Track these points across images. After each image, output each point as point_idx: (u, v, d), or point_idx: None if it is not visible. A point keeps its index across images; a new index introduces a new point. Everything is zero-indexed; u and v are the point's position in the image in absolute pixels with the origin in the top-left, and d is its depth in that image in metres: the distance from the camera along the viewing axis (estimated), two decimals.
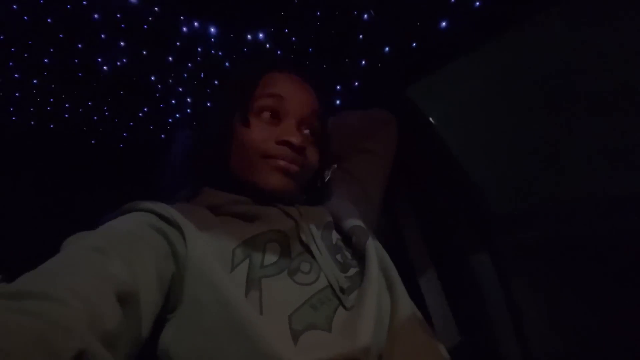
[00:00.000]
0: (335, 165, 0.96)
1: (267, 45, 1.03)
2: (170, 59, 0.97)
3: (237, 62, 1.08)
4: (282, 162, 0.71)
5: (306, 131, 0.76)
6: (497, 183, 1.09)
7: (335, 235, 0.75)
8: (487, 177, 1.06)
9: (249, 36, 1.00)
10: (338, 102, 1.10)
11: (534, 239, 0.98)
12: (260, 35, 1.01)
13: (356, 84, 1.11)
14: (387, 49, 1.05)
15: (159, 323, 0.56)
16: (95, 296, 0.43)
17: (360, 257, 0.71)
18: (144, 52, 0.95)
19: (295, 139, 0.71)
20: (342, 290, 0.64)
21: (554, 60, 1.01)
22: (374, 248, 0.70)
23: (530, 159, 1.08)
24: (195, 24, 0.95)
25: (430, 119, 1.08)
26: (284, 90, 0.74)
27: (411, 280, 1.00)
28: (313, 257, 0.67)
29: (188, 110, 1.15)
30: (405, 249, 1.03)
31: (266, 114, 0.73)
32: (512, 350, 0.93)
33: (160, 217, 0.60)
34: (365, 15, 1.00)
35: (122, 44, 0.91)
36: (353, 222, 0.75)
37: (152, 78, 0.98)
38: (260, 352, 0.50)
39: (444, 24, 1.08)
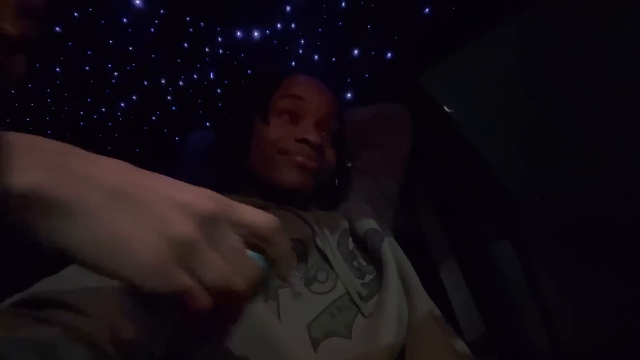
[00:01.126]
0: (350, 164, 0.95)
1: (274, 42, 1.02)
2: (179, 60, 0.97)
3: (259, 65, 1.09)
4: (299, 158, 0.72)
5: (324, 132, 0.77)
6: (516, 168, 1.05)
7: (351, 241, 0.74)
8: (506, 163, 1.03)
9: (255, 33, 0.99)
10: (349, 95, 1.09)
11: (557, 225, 0.95)
12: (267, 31, 1.00)
13: (367, 76, 1.09)
14: (395, 37, 1.03)
15: None
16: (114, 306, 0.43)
17: (376, 261, 0.70)
18: (152, 56, 0.95)
19: (313, 137, 0.72)
20: (360, 297, 0.63)
21: (572, 40, 0.97)
22: (389, 250, 0.69)
23: (551, 143, 1.04)
24: (215, 27, 0.95)
25: (445, 107, 1.06)
26: (303, 91, 0.77)
27: (433, 274, 0.98)
28: (329, 264, 0.67)
29: (199, 111, 1.15)
30: (425, 243, 1.01)
31: (285, 114, 0.75)
32: (540, 341, 0.90)
33: None
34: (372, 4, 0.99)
35: (130, 48, 0.91)
36: (367, 224, 0.74)
37: (163, 81, 0.98)
38: (281, 358, 0.49)
39: (454, 7, 1.06)
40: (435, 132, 1.02)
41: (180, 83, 1.00)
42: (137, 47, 0.93)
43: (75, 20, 0.88)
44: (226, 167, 0.77)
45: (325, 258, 0.67)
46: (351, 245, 0.73)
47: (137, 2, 0.88)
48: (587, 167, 0.98)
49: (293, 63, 1.05)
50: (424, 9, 1.01)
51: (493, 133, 1.05)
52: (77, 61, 0.99)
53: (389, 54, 1.05)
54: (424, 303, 0.64)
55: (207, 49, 1.00)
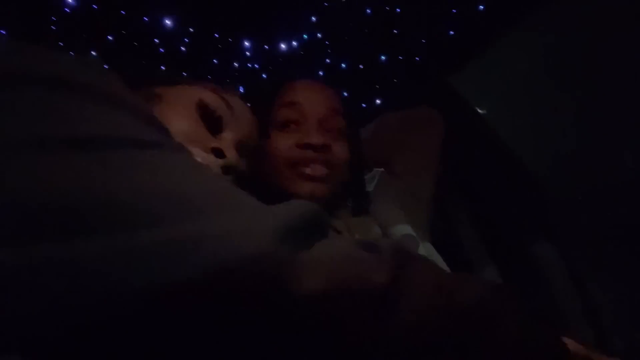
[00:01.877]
0: (382, 169, 0.94)
1: (302, 53, 1.03)
2: (209, 77, 0.99)
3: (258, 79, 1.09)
4: (307, 170, 0.71)
5: (329, 130, 0.75)
6: (554, 168, 1.02)
7: None
8: (542, 162, 1.00)
9: (282, 45, 1.00)
10: (378, 101, 1.08)
11: (603, 224, 0.91)
12: (294, 43, 1.01)
13: (395, 81, 1.08)
14: (423, 40, 1.02)
15: None
16: None
17: None
18: (184, 74, 0.98)
19: (315, 139, 0.71)
20: None
21: (608, 33, 0.94)
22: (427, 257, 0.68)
23: (588, 140, 1.01)
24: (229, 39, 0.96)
25: (477, 108, 1.04)
26: (299, 96, 0.75)
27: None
28: None
29: None
30: (461, 247, 0.99)
31: (286, 124, 0.74)
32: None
33: None
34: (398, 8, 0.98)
35: (162, 68, 0.94)
36: (402, 230, 0.73)
37: None
38: None
39: (481, 7, 1.04)
40: (468, 134, 1.00)
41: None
42: (169, 67, 0.95)
43: (110, 43, 0.91)
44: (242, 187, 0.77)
45: None
46: None
47: (168, 22, 0.90)
48: (629, 164, 0.94)
49: (321, 73, 1.06)
50: (451, 10, 1.00)
51: (528, 132, 1.02)
52: None
53: (417, 58, 1.03)
54: None
55: (235, 64, 1.01)
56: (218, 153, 0.54)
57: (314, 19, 0.98)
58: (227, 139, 0.58)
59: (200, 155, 0.52)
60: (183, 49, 0.94)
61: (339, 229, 0.71)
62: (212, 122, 0.56)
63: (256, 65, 1.02)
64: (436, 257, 0.71)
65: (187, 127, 0.53)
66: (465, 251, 0.97)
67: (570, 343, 0.46)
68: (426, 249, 0.70)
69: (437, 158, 0.92)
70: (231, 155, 0.55)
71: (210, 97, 0.58)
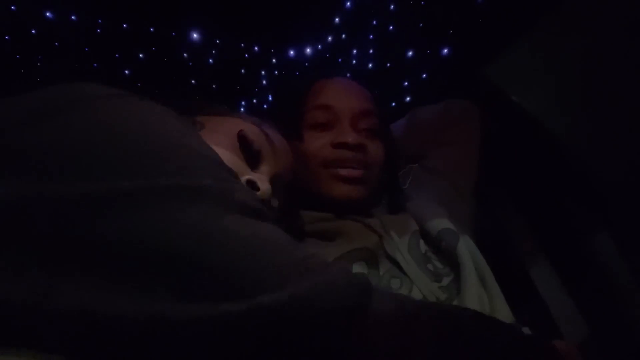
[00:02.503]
0: (416, 165, 0.92)
1: (327, 56, 1.02)
2: (237, 87, 1.00)
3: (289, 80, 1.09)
4: (343, 171, 0.70)
5: (363, 129, 0.74)
6: (603, 153, 0.96)
7: (422, 244, 0.70)
8: (592, 149, 0.95)
9: (308, 50, 1.00)
10: (408, 98, 1.06)
11: None
12: (319, 46, 1.01)
13: (424, 76, 1.06)
14: (450, 32, 1.00)
15: None
16: None
17: (452, 262, 0.66)
18: (214, 86, 0.99)
19: (350, 139, 0.70)
20: (439, 301, 0.60)
21: None
22: (466, 250, 0.65)
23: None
24: (256, 48, 0.97)
25: (513, 97, 1.00)
26: (332, 96, 0.75)
27: (521, 273, 0.92)
28: (402, 270, 0.64)
29: None
30: (509, 241, 0.94)
31: (318, 126, 0.73)
32: None
33: None
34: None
35: (193, 82, 0.95)
36: (440, 224, 0.71)
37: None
38: None
39: None
40: (508, 125, 0.96)
41: (242, 109, 1.03)
42: (198, 80, 0.97)
43: (141, 61, 0.93)
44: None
45: (397, 264, 0.64)
46: (423, 247, 0.70)
47: (195, 35, 0.92)
48: None
49: (348, 75, 1.05)
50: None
51: (570, 121, 0.97)
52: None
53: (445, 51, 1.01)
54: (502, 308, 0.61)
55: (263, 72, 1.02)
56: (252, 186, 0.54)
57: (337, 20, 0.97)
58: (263, 173, 0.58)
59: None
60: (210, 60, 0.95)
61: (374, 227, 0.70)
62: (251, 154, 0.57)
63: (283, 72, 1.03)
64: (475, 251, 0.68)
65: (226, 156, 0.53)
66: (513, 246, 0.93)
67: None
68: (465, 243, 0.68)
69: (477, 151, 0.88)
70: (265, 189, 0.55)
71: (251, 130, 0.58)
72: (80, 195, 0.29)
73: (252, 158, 0.57)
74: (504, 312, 0.61)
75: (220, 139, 0.55)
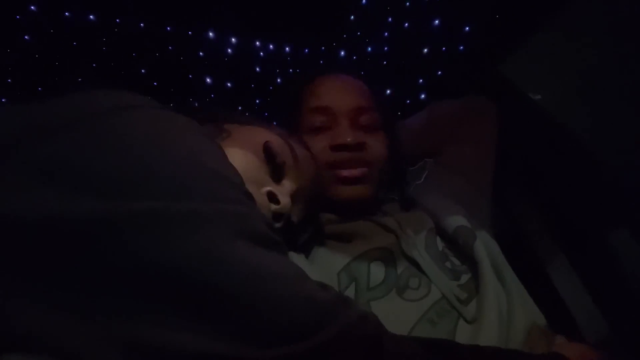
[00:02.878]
0: (431, 160, 0.91)
1: (342, 53, 1.02)
2: (252, 85, 1.00)
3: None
4: (344, 172, 0.70)
5: (362, 126, 0.74)
6: (622, 150, 0.95)
7: (439, 241, 0.70)
8: (610, 146, 0.94)
9: (322, 47, 1.00)
10: (423, 96, 1.06)
11: None
12: (334, 44, 1.00)
13: (439, 73, 1.05)
14: (467, 28, 0.99)
15: None
16: None
17: (470, 260, 0.66)
18: (228, 85, 0.99)
19: (349, 139, 0.69)
20: (459, 300, 0.59)
21: None
22: (483, 248, 0.65)
23: None
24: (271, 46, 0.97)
25: (530, 94, 0.99)
26: (327, 97, 0.74)
27: (539, 272, 0.91)
28: (420, 269, 0.63)
29: None
30: (527, 239, 0.94)
31: (317, 128, 0.73)
32: None
33: None
34: None
35: (208, 80, 0.96)
36: (456, 221, 0.70)
37: (239, 108, 1.02)
38: None
39: None
40: (524, 122, 0.95)
41: (256, 108, 1.03)
42: (214, 78, 0.97)
43: (157, 59, 0.93)
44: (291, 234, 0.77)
45: (415, 263, 0.64)
46: (440, 245, 0.69)
47: (210, 34, 0.92)
48: None
49: (362, 72, 1.04)
50: None
51: (593, 116, 0.96)
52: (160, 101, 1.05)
53: (461, 47, 1.00)
54: (521, 306, 0.60)
55: (277, 71, 1.02)
56: (272, 198, 0.54)
57: (352, 17, 0.97)
58: (285, 186, 0.58)
59: (254, 197, 0.52)
60: (226, 59, 0.95)
61: (390, 227, 0.69)
62: (275, 166, 0.57)
63: (298, 70, 1.02)
64: (493, 248, 0.68)
65: (249, 166, 0.53)
66: (531, 245, 0.92)
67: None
68: (483, 240, 0.67)
69: (494, 149, 0.88)
70: (285, 202, 0.55)
71: (277, 142, 0.58)
72: (86, 213, 0.29)
73: (276, 170, 0.57)
74: (520, 311, 0.60)
75: (245, 148, 0.55)
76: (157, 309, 0.29)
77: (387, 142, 0.77)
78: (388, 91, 1.06)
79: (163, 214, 0.31)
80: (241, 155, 0.53)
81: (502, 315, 0.57)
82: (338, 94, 0.75)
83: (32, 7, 0.78)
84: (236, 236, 0.33)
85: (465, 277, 0.65)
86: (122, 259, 0.29)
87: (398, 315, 0.57)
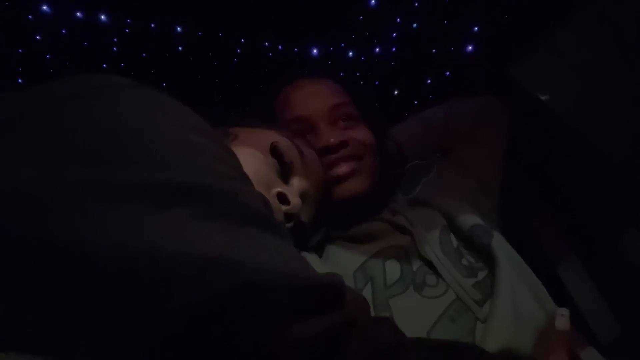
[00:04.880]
0: (439, 155, 0.91)
1: (350, 53, 1.02)
2: (261, 86, 1.00)
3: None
4: (337, 171, 0.70)
5: (341, 121, 0.74)
6: (633, 152, 0.95)
7: (454, 238, 0.69)
8: (621, 148, 0.93)
9: (331, 48, 1.00)
10: (431, 97, 1.06)
11: None
12: (342, 44, 1.01)
13: (447, 73, 1.05)
14: (475, 28, 0.99)
15: None
16: None
17: (487, 258, 0.65)
18: (237, 85, 0.99)
19: (331, 139, 0.69)
20: (474, 301, 0.59)
21: None
22: (500, 246, 0.64)
23: None
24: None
25: (539, 95, 0.99)
26: (297, 107, 0.73)
27: (551, 273, 0.90)
28: (436, 268, 0.63)
29: None
30: (537, 240, 0.93)
31: (298, 136, 0.70)
32: None
33: None
34: None
35: (216, 80, 0.96)
36: (471, 220, 0.70)
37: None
38: None
39: None
40: (533, 123, 0.95)
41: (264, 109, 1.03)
42: (222, 79, 0.97)
43: (166, 59, 0.94)
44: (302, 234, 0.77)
45: (429, 261, 0.64)
46: (455, 242, 0.69)
47: (220, 35, 0.93)
48: None
49: (370, 73, 1.04)
50: None
51: (604, 117, 0.95)
52: None
53: (469, 48, 1.00)
54: (548, 303, 0.59)
55: (286, 71, 1.02)
56: (282, 199, 0.54)
57: (361, 17, 0.97)
58: (294, 186, 0.58)
59: None
60: (235, 60, 0.96)
61: (403, 224, 0.69)
62: (282, 167, 0.57)
63: (305, 72, 1.02)
64: (511, 249, 0.67)
65: (258, 167, 0.53)
66: (542, 246, 0.91)
67: None
68: (499, 239, 0.66)
69: (505, 151, 0.88)
70: (295, 202, 0.55)
71: (284, 142, 0.58)
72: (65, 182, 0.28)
73: (284, 171, 0.57)
74: (537, 308, 0.59)
75: (253, 150, 0.55)
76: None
77: (370, 132, 0.76)
78: (395, 92, 1.06)
79: (136, 187, 0.28)
80: (249, 157, 0.53)
81: (518, 313, 0.56)
82: (309, 98, 0.74)
83: (44, 7, 0.78)
84: (219, 215, 0.30)
85: (482, 274, 0.64)
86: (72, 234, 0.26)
87: (418, 313, 0.57)
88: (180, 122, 0.36)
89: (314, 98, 0.75)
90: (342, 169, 0.70)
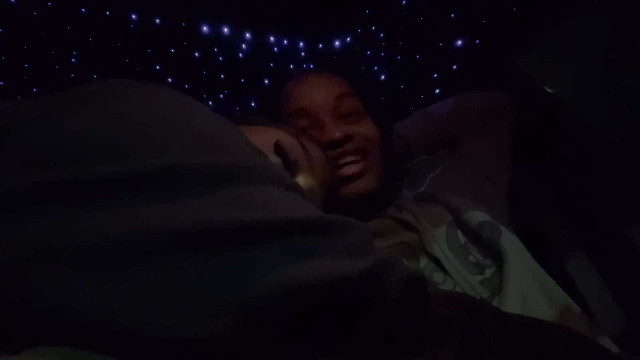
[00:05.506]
0: (447, 150, 0.90)
1: (356, 48, 1.01)
2: (266, 81, 1.00)
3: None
4: (345, 171, 0.69)
5: (346, 116, 0.73)
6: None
7: (461, 235, 0.69)
8: (628, 140, 0.92)
9: (337, 42, 0.99)
10: (437, 91, 1.05)
11: None
12: (348, 39, 1.00)
13: (454, 67, 1.04)
14: (483, 21, 0.98)
15: None
16: None
17: (495, 254, 0.64)
18: (242, 80, 0.99)
19: (335, 134, 0.68)
20: (481, 298, 0.58)
21: None
22: (510, 243, 0.64)
23: None
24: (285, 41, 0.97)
25: (547, 88, 0.98)
26: (302, 99, 0.72)
27: (557, 266, 0.90)
28: (442, 265, 0.63)
29: None
30: (544, 234, 0.93)
31: (302, 131, 0.70)
32: None
33: None
34: None
35: (222, 76, 0.95)
36: (479, 216, 0.69)
37: (252, 104, 1.02)
38: None
39: None
40: (541, 116, 0.95)
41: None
42: (228, 74, 0.97)
43: (171, 55, 0.93)
44: None
45: (436, 258, 0.63)
46: (462, 239, 0.68)
47: (225, 30, 0.92)
48: None
49: (376, 67, 1.04)
50: None
51: (611, 110, 0.95)
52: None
53: (477, 41, 0.99)
54: (558, 295, 0.59)
55: (291, 66, 1.01)
56: None
57: (367, 12, 0.96)
58: (298, 184, 0.57)
59: None
60: (240, 55, 0.95)
61: (410, 222, 0.68)
62: (287, 165, 0.56)
63: (311, 65, 1.02)
64: (516, 241, 0.66)
65: None
66: (549, 239, 0.91)
67: None
68: (507, 234, 0.66)
69: (512, 145, 0.87)
70: None
71: (288, 140, 0.58)
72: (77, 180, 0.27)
73: (289, 169, 0.56)
74: (548, 304, 0.59)
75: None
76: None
77: (375, 126, 0.76)
78: (402, 86, 1.05)
79: (180, 171, 0.28)
80: None
81: (527, 310, 0.56)
82: (313, 90, 0.73)
83: (48, 4, 0.78)
84: (265, 183, 0.31)
85: (489, 271, 0.63)
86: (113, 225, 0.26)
87: None
88: (203, 113, 0.36)
89: (317, 89, 0.74)
90: (353, 168, 0.70)
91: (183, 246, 0.25)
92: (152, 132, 0.31)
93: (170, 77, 0.94)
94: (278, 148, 0.55)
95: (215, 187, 0.29)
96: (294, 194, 0.33)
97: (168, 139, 0.31)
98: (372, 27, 0.99)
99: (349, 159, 0.70)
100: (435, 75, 1.06)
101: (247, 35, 0.92)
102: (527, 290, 0.58)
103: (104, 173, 0.27)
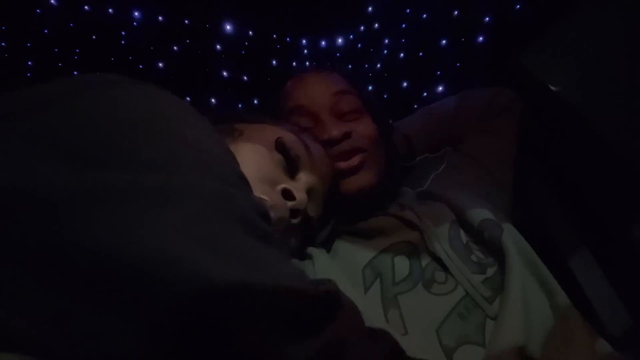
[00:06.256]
0: (450, 149, 0.90)
1: (359, 45, 1.01)
2: (269, 79, 1.00)
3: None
4: (342, 165, 0.69)
5: (344, 114, 0.73)
6: None
7: (463, 234, 0.69)
8: (632, 139, 0.92)
9: (339, 40, 0.99)
10: (441, 88, 1.04)
11: None
12: (351, 36, 1.00)
13: (457, 65, 1.04)
14: (487, 18, 0.97)
15: None
16: None
17: (497, 253, 0.64)
18: (245, 78, 0.99)
19: (334, 132, 0.68)
20: (484, 298, 0.58)
21: None
22: (511, 241, 0.64)
23: None
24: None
25: (551, 86, 0.97)
26: (300, 97, 0.73)
27: (561, 264, 0.90)
28: (444, 264, 0.63)
29: None
30: (548, 231, 0.93)
31: (302, 128, 0.70)
32: None
33: None
34: None
35: (224, 74, 0.95)
36: (481, 214, 0.69)
37: (255, 102, 1.01)
38: None
39: None
40: (544, 113, 0.94)
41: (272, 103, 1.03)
42: (230, 72, 0.97)
43: (175, 53, 0.93)
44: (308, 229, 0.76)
45: (438, 257, 0.63)
46: (464, 238, 0.68)
47: (228, 27, 0.92)
48: None
49: (379, 65, 1.03)
50: None
51: (614, 108, 0.94)
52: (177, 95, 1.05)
53: (481, 38, 0.99)
54: (560, 296, 0.59)
55: (294, 64, 1.01)
56: (287, 194, 0.53)
57: (370, 9, 0.96)
58: (300, 181, 0.57)
59: (269, 195, 0.51)
60: (243, 52, 0.95)
61: (412, 220, 0.68)
62: (288, 162, 0.56)
63: (314, 63, 1.02)
64: (520, 239, 0.66)
65: (262, 164, 0.53)
66: (553, 237, 0.91)
67: None
68: (510, 232, 0.66)
69: (516, 143, 0.87)
70: (301, 198, 0.54)
71: (289, 137, 0.58)
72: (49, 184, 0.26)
73: (290, 166, 0.56)
74: (548, 304, 0.59)
75: (258, 146, 0.54)
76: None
77: (374, 124, 0.75)
78: (405, 83, 1.05)
79: (132, 187, 0.27)
80: (254, 154, 0.53)
81: (528, 310, 0.56)
82: (312, 88, 0.74)
83: (51, 1, 0.78)
84: (220, 215, 0.29)
85: (491, 271, 0.63)
86: (77, 236, 0.25)
87: (427, 309, 0.56)
88: (177, 121, 0.34)
89: (316, 87, 0.74)
90: (351, 162, 0.70)
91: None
92: (117, 142, 0.29)
93: (172, 75, 0.93)
94: (280, 145, 0.55)
95: (160, 208, 0.27)
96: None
97: (132, 151, 0.29)
98: (375, 25, 0.99)
99: (347, 156, 0.70)
100: (439, 72, 1.05)
101: (250, 32, 0.92)
102: (529, 290, 0.58)
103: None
